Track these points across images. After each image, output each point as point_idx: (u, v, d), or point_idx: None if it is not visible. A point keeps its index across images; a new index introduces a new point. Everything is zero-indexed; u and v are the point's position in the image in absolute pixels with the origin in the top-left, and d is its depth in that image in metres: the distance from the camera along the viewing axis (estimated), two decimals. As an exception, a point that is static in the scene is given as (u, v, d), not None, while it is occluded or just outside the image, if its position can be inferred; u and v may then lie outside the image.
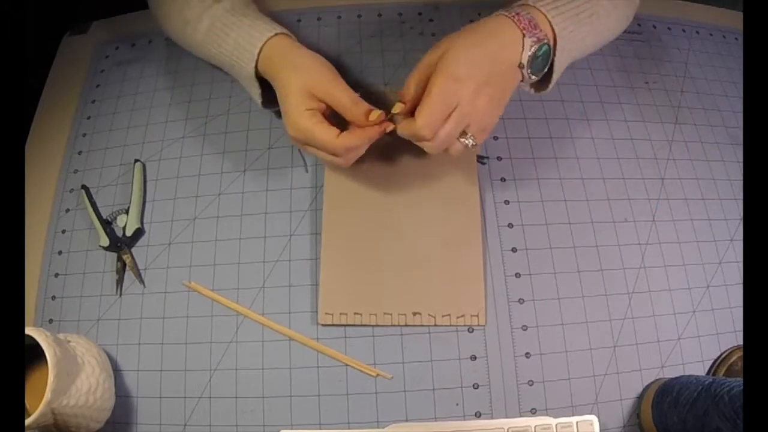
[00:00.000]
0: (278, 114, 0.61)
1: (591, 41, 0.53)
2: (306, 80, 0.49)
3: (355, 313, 0.53)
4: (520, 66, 0.47)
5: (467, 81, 0.45)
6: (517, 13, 0.47)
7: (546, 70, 0.50)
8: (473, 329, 0.53)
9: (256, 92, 0.55)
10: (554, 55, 0.49)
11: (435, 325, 0.53)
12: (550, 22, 0.48)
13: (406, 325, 0.53)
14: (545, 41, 0.47)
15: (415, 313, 0.53)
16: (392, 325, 0.53)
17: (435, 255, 0.54)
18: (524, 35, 0.46)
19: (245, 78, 0.54)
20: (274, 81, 0.52)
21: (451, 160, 0.52)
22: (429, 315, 0.53)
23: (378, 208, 0.56)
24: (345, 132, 0.48)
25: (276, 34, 0.52)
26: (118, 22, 0.74)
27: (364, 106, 0.48)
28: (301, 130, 0.48)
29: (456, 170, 0.57)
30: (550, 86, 0.52)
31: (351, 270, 0.54)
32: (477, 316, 0.53)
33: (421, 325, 0.53)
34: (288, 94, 0.49)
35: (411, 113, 0.47)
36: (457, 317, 0.53)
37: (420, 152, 0.51)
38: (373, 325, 0.53)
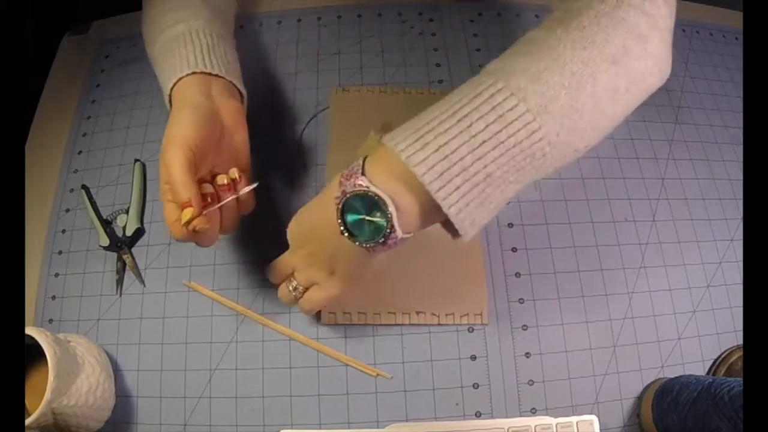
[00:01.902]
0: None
1: (508, 193, 0.35)
2: (165, 135, 0.44)
3: (359, 313, 0.53)
4: (352, 238, 0.37)
5: (294, 241, 0.45)
6: (347, 177, 0.37)
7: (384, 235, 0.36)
8: (473, 329, 0.53)
9: None
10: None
11: (438, 324, 0.53)
12: (402, 160, 0.33)
13: (409, 324, 0.53)
14: (358, 191, 0.35)
15: (418, 312, 0.53)
16: (395, 324, 0.53)
17: (436, 255, 0.54)
18: (341, 186, 0.37)
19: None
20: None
21: None
22: (432, 314, 0.53)
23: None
24: (174, 219, 0.42)
25: (190, 74, 0.47)
26: (118, 22, 0.74)
27: (180, 196, 0.40)
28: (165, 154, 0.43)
29: None
30: (464, 237, 0.36)
31: None
32: (480, 314, 0.53)
33: (424, 324, 0.53)
34: (168, 128, 0.44)
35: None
36: (461, 316, 0.53)
37: None
38: (376, 325, 0.53)
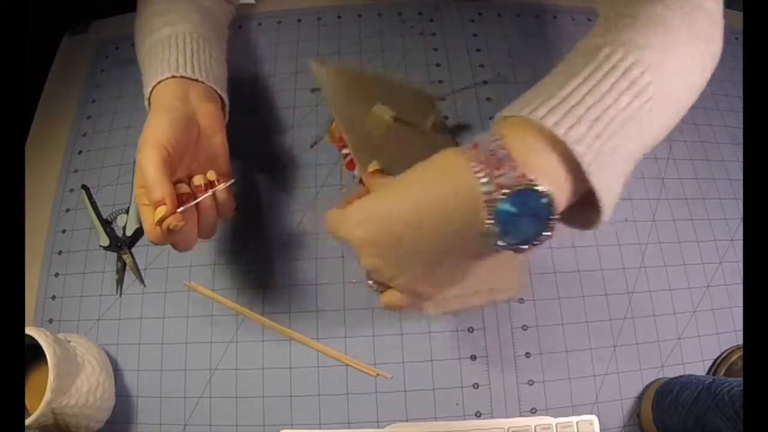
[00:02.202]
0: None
1: (647, 142, 0.35)
2: (142, 134, 0.43)
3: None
4: (491, 238, 0.30)
5: (354, 228, 0.34)
6: (475, 145, 0.31)
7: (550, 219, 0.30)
8: (473, 329, 0.53)
9: None
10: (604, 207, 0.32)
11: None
12: (566, 145, 0.29)
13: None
14: (522, 186, 0.29)
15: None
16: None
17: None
18: (479, 178, 0.29)
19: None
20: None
21: None
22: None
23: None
24: (150, 221, 0.40)
25: (169, 78, 0.47)
26: (118, 22, 0.74)
27: (154, 195, 0.40)
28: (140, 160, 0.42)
29: None
30: (599, 225, 0.33)
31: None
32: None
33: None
34: (141, 137, 0.43)
35: None
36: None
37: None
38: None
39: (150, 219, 0.40)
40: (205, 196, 0.44)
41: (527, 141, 0.30)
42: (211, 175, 0.44)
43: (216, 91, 0.50)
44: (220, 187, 0.45)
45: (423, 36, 0.68)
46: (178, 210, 0.40)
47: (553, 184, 0.29)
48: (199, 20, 0.54)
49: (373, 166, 0.43)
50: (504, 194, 0.29)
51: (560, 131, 0.29)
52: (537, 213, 0.29)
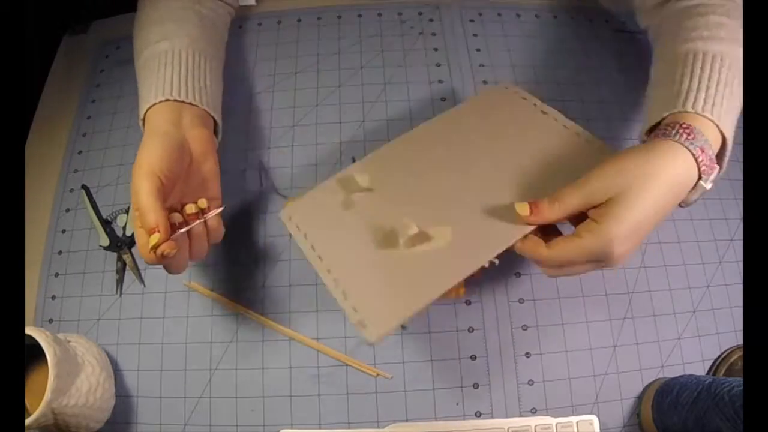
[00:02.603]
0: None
1: (741, 99, 0.46)
2: (136, 160, 0.44)
3: (311, 248, 0.46)
4: (682, 204, 0.43)
5: (622, 248, 0.39)
6: (702, 149, 0.40)
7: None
8: (473, 329, 0.53)
9: None
10: (726, 154, 0.44)
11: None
12: (719, 128, 0.42)
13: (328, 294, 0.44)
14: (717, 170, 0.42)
15: (345, 291, 0.43)
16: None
17: (407, 248, 0.45)
18: (701, 177, 0.41)
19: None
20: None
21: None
22: (344, 293, 0.43)
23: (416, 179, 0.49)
24: (144, 243, 0.41)
25: (162, 101, 0.47)
26: (118, 22, 0.74)
27: (147, 222, 0.40)
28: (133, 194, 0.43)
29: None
30: (723, 171, 0.45)
31: (341, 205, 0.48)
32: (373, 331, 0.40)
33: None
34: (134, 166, 0.43)
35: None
36: (358, 321, 0.41)
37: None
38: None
39: (144, 242, 0.41)
40: (196, 223, 0.45)
41: (709, 132, 0.42)
42: (202, 203, 0.45)
43: (209, 114, 0.50)
44: (211, 214, 0.46)
45: (423, 36, 0.68)
46: (171, 237, 0.41)
47: (717, 147, 0.43)
48: (197, 33, 0.54)
49: (523, 209, 0.42)
50: (706, 168, 0.41)
51: (716, 117, 0.42)
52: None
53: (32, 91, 0.70)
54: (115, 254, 0.58)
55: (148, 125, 0.47)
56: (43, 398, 0.43)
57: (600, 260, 0.40)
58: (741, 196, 0.61)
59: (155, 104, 0.48)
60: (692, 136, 0.40)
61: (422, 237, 0.44)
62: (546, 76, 0.66)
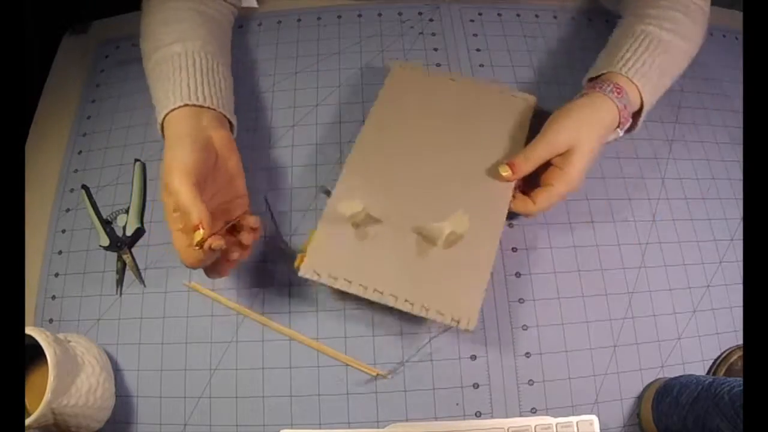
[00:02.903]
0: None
1: (671, 83, 0.57)
2: (166, 165, 0.45)
3: (345, 280, 0.48)
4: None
5: (584, 174, 0.52)
6: (625, 106, 0.52)
7: None
8: (473, 329, 0.53)
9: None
10: (641, 116, 0.55)
11: (424, 318, 0.48)
12: (641, 95, 0.53)
13: (393, 309, 0.48)
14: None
15: (407, 301, 0.47)
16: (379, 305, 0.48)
17: (447, 252, 0.50)
18: (619, 126, 0.54)
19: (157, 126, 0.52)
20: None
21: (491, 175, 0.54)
22: (422, 306, 0.47)
23: (399, 188, 0.53)
24: (186, 245, 0.44)
25: (182, 106, 0.49)
26: (118, 22, 0.74)
27: (191, 220, 0.42)
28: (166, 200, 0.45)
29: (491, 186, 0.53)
30: (635, 131, 0.58)
31: (352, 234, 0.50)
32: (468, 320, 0.47)
33: (409, 314, 0.48)
34: (166, 170, 0.45)
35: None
36: (452, 319, 0.47)
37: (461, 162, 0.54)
38: (362, 298, 0.48)
39: (185, 243, 0.43)
40: (236, 219, 0.47)
41: (632, 88, 0.53)
42: (255, 222, 0.48)
43: (225, 116, 0.52)
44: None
45: (423, 36, 0.68)
46: (215, 233, 0.42)
47: (636, 107, 0.54)
48: (207, 35, 0.56)
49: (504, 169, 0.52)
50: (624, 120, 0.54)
51: (637, 80, 0.53)
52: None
53: (32, 91, 0.70)
54: (115, 254, 0.58)
55: (171, 129, 0.48)
56: (43, 398, 0.43)
57: (570, 192, 0.52)
58: (741, 196, 0.61)
59: (174, 109, 0.49)
60: (621, 94, 0.52)
61: (452, 232, 0.49)
62: (546, 76, 0.66)
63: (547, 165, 0.52)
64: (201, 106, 0.50)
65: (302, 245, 0.51)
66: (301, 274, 0.48)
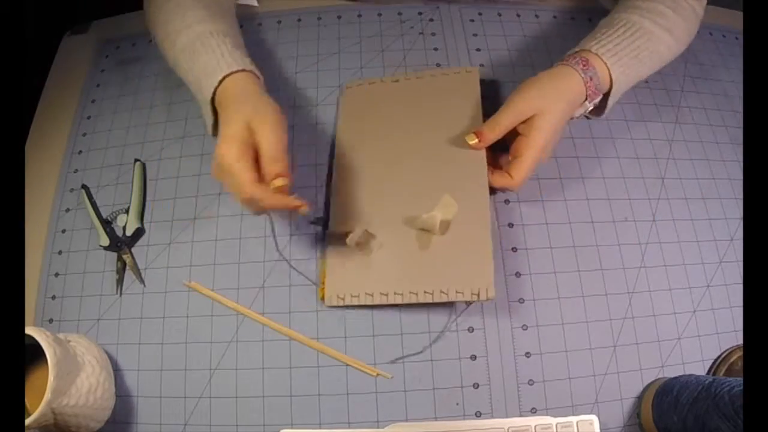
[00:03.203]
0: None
1: (649, 72, 0.58)
2: (252, 116, 0.48)
3: (366, 294, 0.52)
4: (571, 118, 0.56)
5: (551, 144, 0.54)
6: (591, 78, 0.53)
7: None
8: (473, 329, 0.53)
9: (209, 118, 0.55)
10: (608, 97, 0.56)
11: (447, 303, 0.52)
12: (609, 72, 0.54)
13: (417, 304, 0.52)
14: (601, 97, 0.56)
15: (426, 292, 0.51)
16: (403, 305, 0.53)
17: (444, 234, 0.53)
18: (587, 99, 0.55)
19: (202, 102, 0.54)
20: (224, 110, 0.50)
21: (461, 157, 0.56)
22: (441, 292, 0.50)
23: (385, 196, 0.56)
24: (261, 183, 0.46)
25: (241, 70, 0.52)
26: (118, 21, 0.74)
27: (277, 168, 0.46)
28: (226, 158, 0.46)
29: (466, 159, 0.56)
30: (604, 114, 0.59)
31: (358, 253, 0.54)
32: (486, 289, 0.49)
33: (432, 303, 0.51)
34: (231, 123, 0.48)
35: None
36: (472, 294, 0.50)
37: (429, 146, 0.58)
38: (383, 305, 0.52)
39: (255, 190, 0.45)
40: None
41: (601, 66, 0.54)
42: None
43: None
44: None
45: (423, 36, 0.68)
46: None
47: (605, 85, 0.55)
48: (231, 21, 0.59)
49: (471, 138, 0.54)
50: (594, 105, 0.57)
51: (606, 58, 0.54)
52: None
53: (32, 90, 0.70)
54: (115, 254, 0.58)
55: (238, 88, 0.51)
56: (43, 398, 0.43)
57: (540, 160, 0.53)
58: (741, 196, 0.61)
59: (234, 73, 0.51)
60: (586, 67, 0.53)
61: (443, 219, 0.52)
62: (546, 76, 0.66)
63: (516, 136, 0.53)
64: (253, 73, 0.53)
65: (319, 276, 0.55)
66: (327, 305, 0.53)
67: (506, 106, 0.53)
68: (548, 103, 0.52)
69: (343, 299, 0.53)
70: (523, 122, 0.53)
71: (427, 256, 0.52)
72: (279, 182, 0.46)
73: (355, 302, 0.52)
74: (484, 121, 0.56)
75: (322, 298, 0.53)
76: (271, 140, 0.47)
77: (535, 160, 0.52)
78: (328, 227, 0.56)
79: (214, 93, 0.51)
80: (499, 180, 0.54)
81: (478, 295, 0.49)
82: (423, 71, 0.64)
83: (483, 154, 0.55)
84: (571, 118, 0.57)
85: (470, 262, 0.51)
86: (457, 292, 0.50)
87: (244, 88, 0.51)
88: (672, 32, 0.57)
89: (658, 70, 0.58)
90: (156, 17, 0.57)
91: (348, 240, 0.53)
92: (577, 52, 0.56)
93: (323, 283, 0.54)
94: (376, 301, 0.52)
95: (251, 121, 0.47)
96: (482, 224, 0.52)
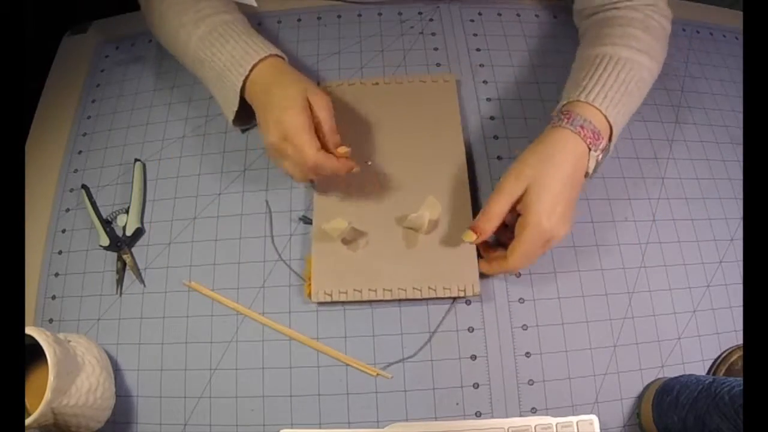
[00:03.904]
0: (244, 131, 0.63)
1: (640, 101, 0.55)
2: (307, 86, 0.51)
3: (354, 290, 0.52)
4: (586, 175, 0.51)
5: (552, 220, 0.47)
6: (582, 126, 0.49)
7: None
8: (473, 329, 0.53)
9: (232, 106, 0.55)
10: (611, 140, 0.52)
11: (435, 298, 0.53)
12: (605, 116, 0.50)
13: (406, 300, 0.53)
14: (606, 142, 0.51)
15: (414, 288, 0.52)
16: (392, 300, 0.53)
17: (428, 236, 0.54)
18: (590, 149, 0.49)
19: (229, 89, 0.54)
20: (272, 88, 0.51)
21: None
22: (429, 288, 0.52)
23: (368, 194, 0.57)
24: (323, 151, 0.50)
25: (272, 55, 0.53)
26: (118, 22, 0.74)
27: (336, 138, 0.52)
28: (294, 126, 0.49)
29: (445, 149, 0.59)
30: (609, 153, 0.54)
31: (345, 249, 0.54)
32: (472, 285, 0.52)
33: (421, 299, 0.53)
34: (290, 96, 0.50)
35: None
36: (459, 290, 0.52)
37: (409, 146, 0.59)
38: (372, 301, 0.53)
39: (323, 160, 0.49)
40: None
41: (595, 114, 0.50)
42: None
43: None
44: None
45: (423, 36, 0.68)
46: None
47: (603, 128, 0.51)
48: (241, 12, 0.59)
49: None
50: (602, 153, 0.51)
51: (598, 103, 0.50)
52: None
53: (32, 91, 0.70)
54: (115, 254, 0.58)
55: (276, 70, 0.53)
56: (43, 398, 0.43)
57: (547, 239, 0.48)
58: (741, 196, 0.61)
59: (266, 57, 0.53)
60: (570, 118, 0.49)
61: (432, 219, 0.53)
62: (546, 76, 0.66)
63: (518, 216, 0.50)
64: (283, 58, 0.55)
65: (303, 273, 0.55)
66: (314, 300, 0.52)
67: (495, 190, 0.49)
68: (538, 172, 0.47)
69: (330, 295, 0.52)
70: (519, 201, 0.48)
71: (414, 253, 0.54)
72: (344, 150, 0.51)
73: (343, 298, 0.52)
74: (462, 122, 0.59)
75: (309, 295, 0.53)
76: (330, 112, 0.51)
77: (534, 240, 0.47)
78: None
79: (246, 79, 0.52)
80: (496, 266, 0.51)
81: (465, 291, 0.52)
82: (402, 76, 0.64)
83: (463, 157, 0.57)
84: (587, 177, 0.51)
85: (456, 260, 0.53)
86: (444, 288, 0.52)
87: (283, 69, 0.53)
88: (649, 54, 0.54)
89: (645, 97, 0.56)
90: (166, 9, 0.57)
91: (331, 230, 0.51)
92: (563, 105, 0.52)
93: (309, 279, 0.54)
94: (365, 297, 0.52)
95: (308, 88, 0.51)
96: (466, 223, 0.53)
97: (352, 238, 0.54)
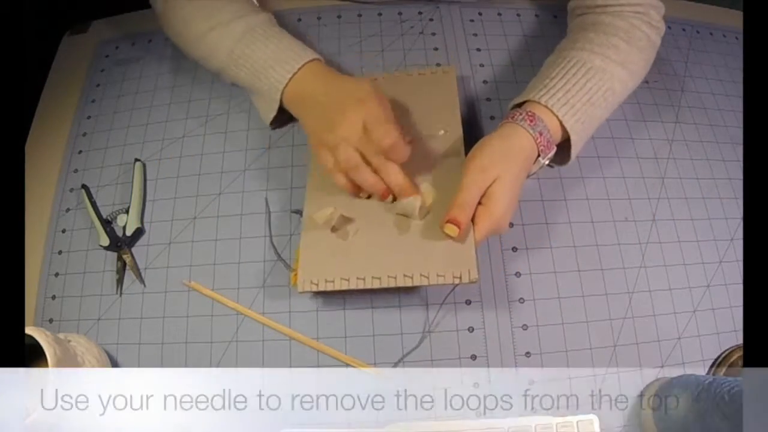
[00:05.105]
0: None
1: (607, 113, 0.55)
2: (366, 95, 0.52)
3: (342, 279, 0.49)
4: (530, 175, 0.54)
5: (510, 211, 0.50)
6: (540, 133, 0.50)
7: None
8: (473, 329, 0.53)
9: (272, 107, 0.56)
10: (571, 147, 0.53)
11: (427, 285, 0.50)
12: (561, 123, 0.51)
13: (396, 288, 0.50)
14: (555, 150, 0.53)
15: (405, 276, 0.49)
16: (380, 289, 0.49)
17: (422, 219, 0.52)
18: (539, 155, 0.51)
19: (270, 90, 0.55)
20: (325, 92, 0.53)
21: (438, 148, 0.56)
22: (421, 275, 0.48)
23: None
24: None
25: (315, 59, 0.56)
26: (118, 21, 0.74)
27: (399, 134, 0.50)
28: (375, 115, 0.50)
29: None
30: (569, 162, 0.55)
31: (333, 237, 0.52)
32: (469, 271, 0.48)
33: (412, 287, 0.51)
34: (362, 89, 0.52)
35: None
36: (454, 277, 0.48)
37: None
38: (362, 289, 0.50)
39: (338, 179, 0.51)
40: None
41: (552, 120, 0.51)
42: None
43: None
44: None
45: (423, 36, 0.68)
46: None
47: (557, 136, 0.52)
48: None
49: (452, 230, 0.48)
50: (550, 160, 0.53)
51: (557, 109, 0.51)
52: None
53: (32, 90, 0.70)
54: (115, 254, 0.58)
55: (323, 71, 0.55)
56: (43, 398, 0.43)
57: (497, 231, 0.51)
58: (741, 196, 0.61)
59: (310, 61, 0.55)
60: (534, 122, 0.50)
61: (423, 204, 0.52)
62: (546, 75, 0.66)
63: None
64: (321, 62, 0.57)
65: (292, 265, 0.54)
66: (299, 290, 0.49)
67: (465, 182, 0.49)
68: (500, 170, 0.49)
69: (317, 284, 0.49)
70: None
71: (406, 240, 0.51)
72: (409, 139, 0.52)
73: (330, 288, 0.49)
74: (462, 115, 0.58)
75: (294, 285, 0.51)
76: (388, 119, 0.51)
77: (488, 230, 0.49)
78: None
79: (289, 81, 0.54)
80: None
81: (460, 277, 0.48)
82: (400, 71, 0.64)
83: (461, 143, 0.56)
84: (528, 176, 0.54)
85: (451, 246, 0.49)
86: (438, 275, 0.48)
87: (330, 70, 0.56)
88: (625, 65, 0.54)
89: (615, 109, 0.56)
90: (189, 16, 0.57)
91: (318, 217, 0.51)
92: (523, 103, 0.53)
93: (294, 270, 0.52)
94: (352, 286, 0.49)
95: (364, 99, 0.51)
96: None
97: (341, 225, 0.52)
